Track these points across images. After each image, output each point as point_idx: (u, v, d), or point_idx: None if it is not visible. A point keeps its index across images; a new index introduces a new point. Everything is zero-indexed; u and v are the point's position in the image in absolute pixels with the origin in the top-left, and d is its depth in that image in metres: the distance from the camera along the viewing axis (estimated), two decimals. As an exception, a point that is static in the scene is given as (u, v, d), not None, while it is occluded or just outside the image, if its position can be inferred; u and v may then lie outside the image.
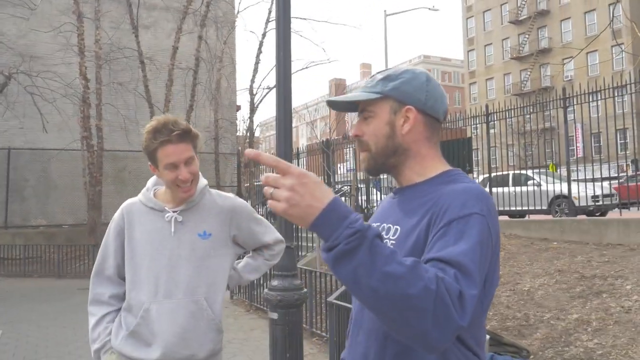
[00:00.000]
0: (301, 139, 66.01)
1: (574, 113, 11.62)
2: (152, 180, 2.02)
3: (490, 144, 11.17)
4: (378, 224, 1.32)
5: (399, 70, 1.31)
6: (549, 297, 5.80)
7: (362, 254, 0.94)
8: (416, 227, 1.18)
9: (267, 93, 19.78)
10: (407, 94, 1.27)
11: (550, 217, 11.33)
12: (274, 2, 3.17)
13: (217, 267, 1.93)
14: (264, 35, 18.52)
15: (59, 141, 16.17)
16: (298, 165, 16.19)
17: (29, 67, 14.40)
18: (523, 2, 47.64)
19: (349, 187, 13.07)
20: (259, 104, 19.75)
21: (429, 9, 29.10)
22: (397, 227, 1.24)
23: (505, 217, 11.40)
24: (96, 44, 14.19)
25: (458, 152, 11.13)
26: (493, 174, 12.42)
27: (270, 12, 18.62)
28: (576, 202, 11.08)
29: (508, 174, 13.53)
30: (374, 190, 14.00)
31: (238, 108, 21.93)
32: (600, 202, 11.36)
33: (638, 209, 10.85)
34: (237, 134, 22.74)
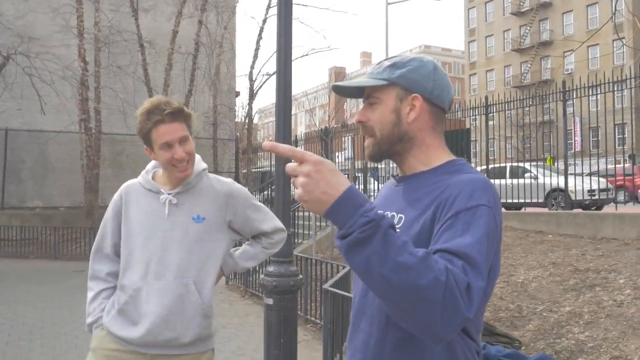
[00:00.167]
0: (300, 127, 65.88)
1: (573, 107, 11.62)
2: (153, 162, 2.02)
3: (489, 135, 11.17)
4: (381, 211, 1.32)
5: (406, 58, 1.30)
6: (543, 290, 5.84)
7: (376, 242, 0.95)
8: (421, 216, 1.18)
9: (266, 79, 19.69)
10: (414, 82, 1.27)
11: (546, 210, 11.38)
12: (276, -12, 3.17)
13: (209, 252, 1.92)
14: (264, 21, 18.38)
15: (56, 123, 16.11)
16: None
17: (27, 48, 14.29)
18: (526, -6, 47.41)
19: (347, 175, 13.08)
20: (258, 90, 19.67)
21: (431, -2, 28.90)
22: (402, 215, 1.24)
23: (502, 209, 11.44)
24: (95, 27, 14.09)
25: (456, 143, 11.14)
26: (491, 166, 12.44)
27: (271, -2, 18.48)
28: (572, 196, 11.13)
29: (505, 166, 13.56)
30: (372, 179, 14.02)
31: (237, 94, 21.85)
32: (597, 197, 11.41)
33: (634, 204, 10.90)
34: (236, 120, 22.70)
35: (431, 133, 1.30)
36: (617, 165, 14.58)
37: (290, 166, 1.02)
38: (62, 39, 15.20)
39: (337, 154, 15.25)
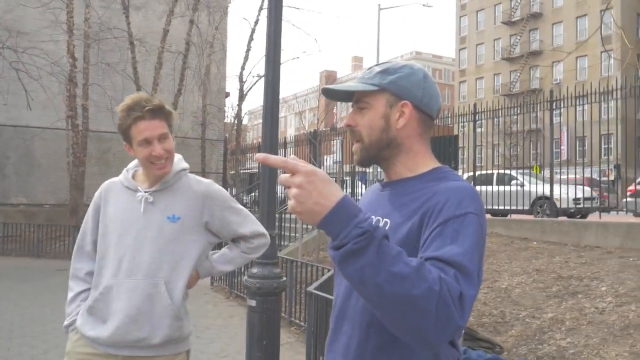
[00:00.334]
0: (289, 129, 65.85)
1: (560, 116, 11.74)
2: (135, 161, 2.01)
3: (477, 142, 11.25)
4: (374, 219, 1.32)
5: (397, 65, 1.32)
6: (526, 296, 5.88)
7: (370, 253, 0.95)
8: (407, 221, 1.19)
9: (256, 81, 19.69)
10: (404, 89, 1.28)
11: (532, 217, 11.48)
12: (267, -12, 3.15)
13: (182, 253, 1.89)
14: (256, 22, 18.38)
15: (43, 119, 15.93)
16: (285, 155, 16.20)
17: (15, 42, 14.14)
18: (517, 4, 47.87)
19: (334, 179, 13.09)
20: (248, 91, 19.66)
21: (423, 5, 29.14)
22: (387, 220, 1.24)
23: (488, 216, 11.52)
24: (85, 23, 13.96)
25: (444, 149, 11.20)
26: (478, 173, 12.52)
27: (263, -1, 18.48)
28: (558, 204, 11.23)
29: (492, 173, 13.65)
30: (359, 183, 14.04)
31: (227, 95, 21.78)
32: (582, 205, 11.52)
33: (617, 213, 11.03)
34: (225, 120, 22.61)
35: (419, 140, 1.31)
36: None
37: (283, 177, 1.01)
38: (51, 35, 15.05)
39: (325, 157, 15.26)
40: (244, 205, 15.19)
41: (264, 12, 18.14)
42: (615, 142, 10.16)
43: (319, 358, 3.98)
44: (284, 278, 3.24)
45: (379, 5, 27.46)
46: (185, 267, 1.90)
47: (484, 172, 13.94)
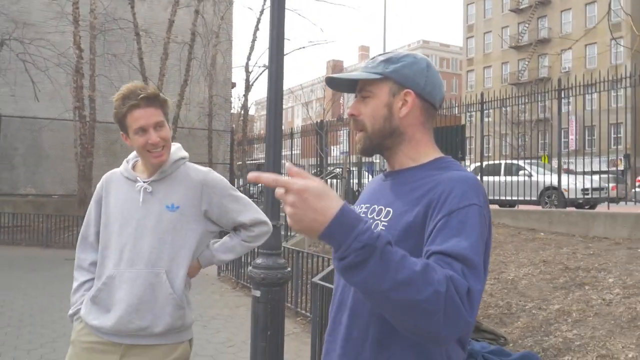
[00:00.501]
0: (296, 120, 65.75)
1: (569, 105, 11.63)
2: (135, 152, 2.01)
3: (484, 132, 11.17)
4: (368, 205, 1.33)
5: (400, 54, 1.32)
6: (532, 287, 5.86)
7: (372, 264, 0.95)
8: (410, 210, 1.19)
9: (262, 71, 19.57)
10: (407, 78, 1.28)
11: (539, 207, 11.42)
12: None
13: (182, 242, 1.89)
14: (261, 12, 18.26)
15: (50, 110, 15.99)
16: (291, 145, 16.17)
17: (22, 33, 14.16)
18: (525, -9, 47.36)
19: (340, 169, 13.07)
20: (254, 82, 19.58)
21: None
22: (390, 209, 1.24)
23: (495, 206, 11.46)
24: (91, 14, 13.96)
25: (451, 139, 11.13)
26: (485, 163, 12.45)
27: (269, -12, 18.36)
28: (566, 195, 11.15)
29: (500, 164, 13.57)
30: (366, 173, 14.01)
31: (233, 85, 21.75)
32: (590, 195, 11.44)
33: (626, 204, 10.94)
34: (232, 111, 22.60)
35: (421, 129, 1.31)
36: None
37: (279, 192, 1.00)
38: (57, 26, 15.05)
39: (332, 147, 15.23)
40: (251, 195, 15.23)
41: (269, 2, 18.06)
42: (624, 131, 10.03)
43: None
44: (289, 269, 3.24)
45: (386, -7, 27.20)
46: (186, 256, 1.90)
47: (491, 162, 13.87)
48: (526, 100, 11.39)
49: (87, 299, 1.90)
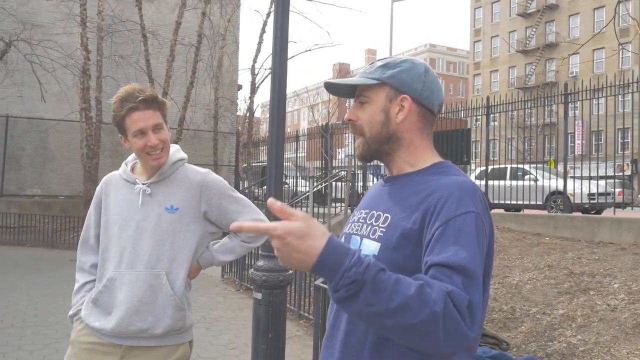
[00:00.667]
0: (302, 122, 65.82)
1: (575, 110, 11.59)
2: (134, 154, 2.02)
3: (491, 136, 11.13)
4: (367, 210, 1.32)
5: (398, 59, 1.31)
6: (537, 292, 5.82)
7: (364, 296, 0.97)
8: (408, 217, 1.18)
9: (268, 74, 19.58)
10: (404, 83, 1.28)
11: (545, 212, 11.36)
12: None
13: (181, 243, 1.90)
14: (268, 14, 18.30)
15: (57, 111, 16.08)
16: (297, 148, 16.18)
17: (29, 35, 14.25)
18: (533, -5, 47.23)
19: (345, 172, 13.06)
20: (260, 84, 19.63)
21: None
22: (388, 215, 1.24)
23: (501, 211, 11.42)
24: (99, 15, 14.04)
25: (456, 143, 11.11)
26: (491, 167, 12.41)
27: (276, -9, 18.40)
28: (572, 199, 11.09)
29: (506, 168, 13.53)
30: (371, 176, 13.99)
31: (239, 87, 21.80)
32: (596, 200, 11.37)
33: (632, 209, 10.87)
34: (237, 113, 22.65)
35: (419, 134, 1.30)
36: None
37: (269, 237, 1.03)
38: (64, 27, 15.14)
39: (337, 150, 15.22)
40: (256, 198, 15.24)
41: (274, 7, 18.13)
42: (631, 136, 9.96)
43: (326, 352, 3.97)
44: (290, 271, 3.23)
45: (393, -3, 27.17)
46: (185, 257, 1.90)
47: (497, 166, 13.81)
48: (532, 105, 11.36)
49: (88, 300, 1.91)
